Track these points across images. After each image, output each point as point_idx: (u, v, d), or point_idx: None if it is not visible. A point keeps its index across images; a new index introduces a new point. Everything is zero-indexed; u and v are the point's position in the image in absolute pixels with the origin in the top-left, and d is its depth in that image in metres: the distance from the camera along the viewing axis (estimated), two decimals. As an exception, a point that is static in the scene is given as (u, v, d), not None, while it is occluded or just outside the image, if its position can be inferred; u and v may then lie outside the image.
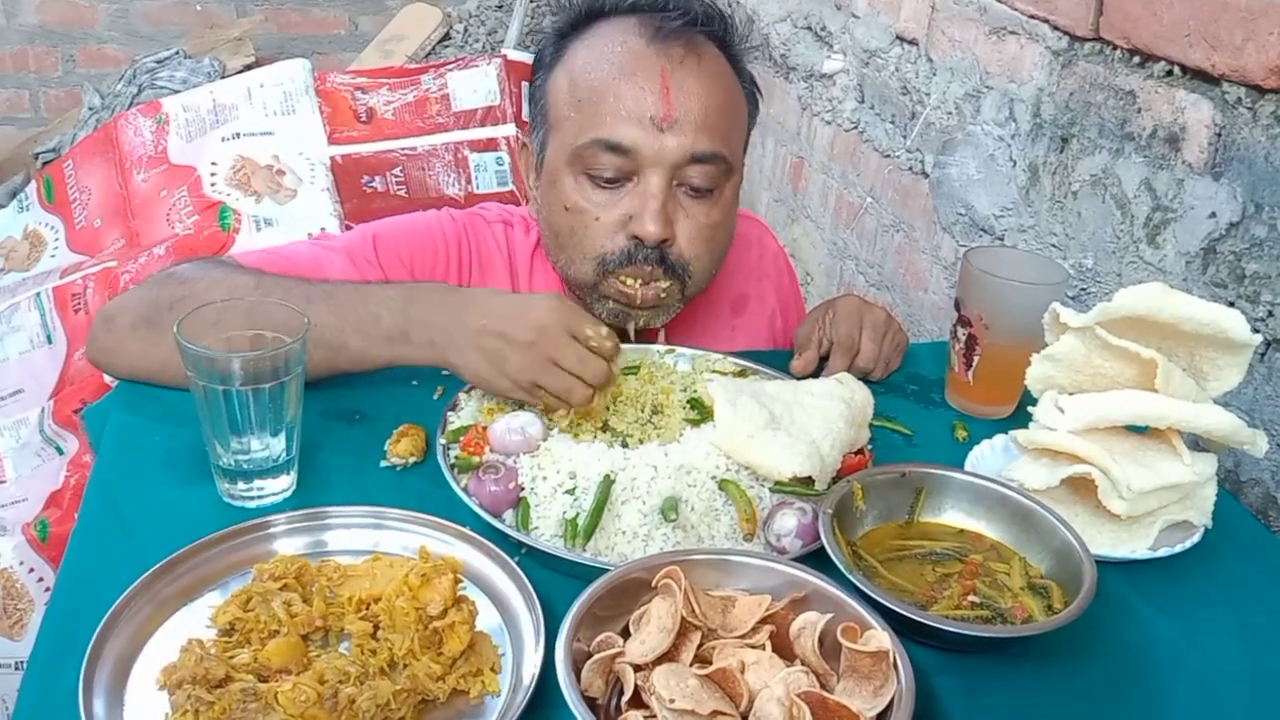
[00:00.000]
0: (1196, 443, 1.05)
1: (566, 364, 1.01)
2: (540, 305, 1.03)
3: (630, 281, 1.19)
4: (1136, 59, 1.38)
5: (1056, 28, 1.53)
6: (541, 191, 1.25)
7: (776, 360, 1.24)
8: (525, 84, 1.28)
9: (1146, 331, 1.01)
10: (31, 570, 2.01)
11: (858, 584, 0.85)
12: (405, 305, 1.08)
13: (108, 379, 1.22)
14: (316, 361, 1.08)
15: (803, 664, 0.78)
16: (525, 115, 2.48)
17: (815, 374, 1.23)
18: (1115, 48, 1.42)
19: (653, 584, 0.81)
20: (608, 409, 1.06)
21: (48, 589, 1.99)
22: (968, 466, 1.10)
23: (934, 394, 1.29)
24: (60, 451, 2.11)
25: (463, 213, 1.34)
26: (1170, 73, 1.32)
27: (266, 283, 1.12)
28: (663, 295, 1.21)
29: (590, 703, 0.73)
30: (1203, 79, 1.26)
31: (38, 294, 2.30)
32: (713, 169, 1.18)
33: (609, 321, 1.20)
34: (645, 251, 1.17)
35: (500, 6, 3.90)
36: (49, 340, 2.25)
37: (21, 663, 1.97)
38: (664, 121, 1.14)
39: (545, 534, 0.94)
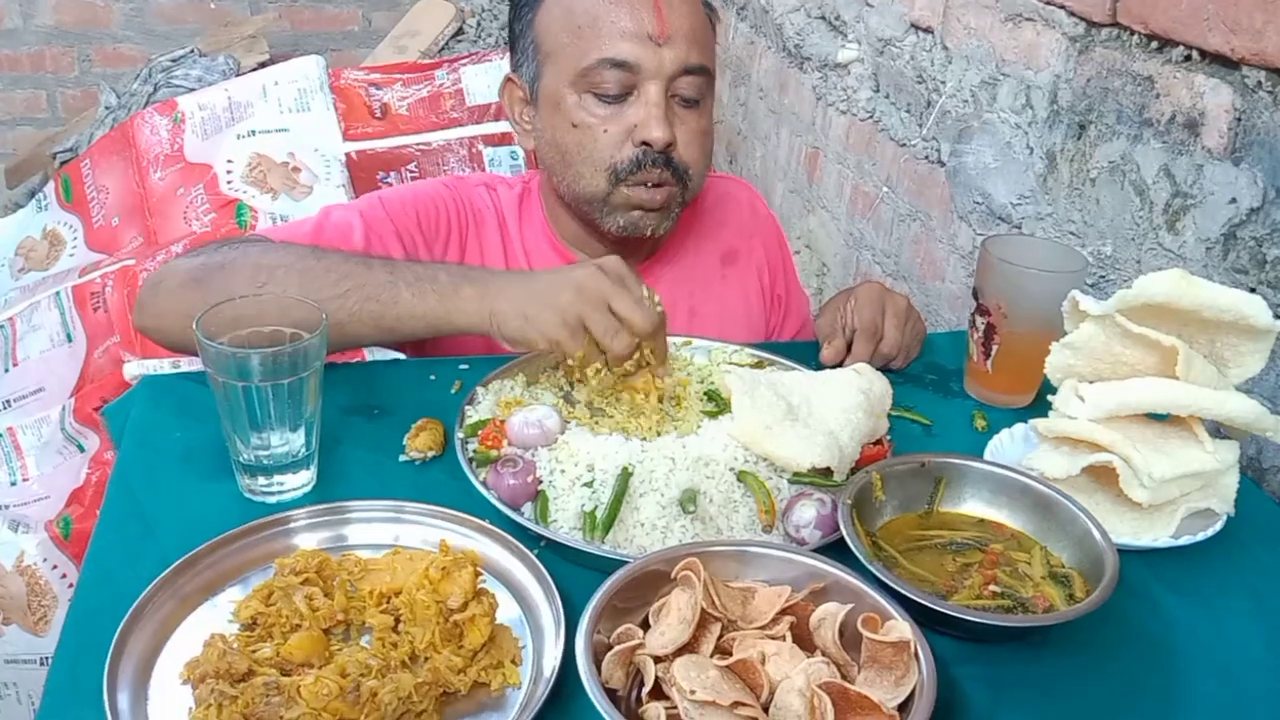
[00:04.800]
0: (1218, 430, 1.05)
1: (618, 306, 1.04)
2: (604, 258, 1.09)
3: (638, 189, 1.26)
4: (1154, 44, 1.37)
5: (1073, 14, 1.52)
6: (542, 118, 1.31)
7: (795, 351, 1.23)
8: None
9: (1166, 319, 1.00)
10: (55, 567, 2.03)
11: (878, 574, 0.85)
12: (464, 268, 1.17)
13: (127, 376, 1.23)
14: (365, 318, 1.11)
15: (823, 655, 0.78)
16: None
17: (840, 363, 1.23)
18: (1133, 33, 1.41)
19: (672, 576, 0.81)
20: (653, 397, 1.06)
21: (71, 585, 2.00)
22: (987, 456, 1.09)
23: (952, 383, 1.29)
24: (81, 449, 2.13)
25: (450, 178, 1.45)
26: (1189, 57, 1.31)
27: (321, 250, 1.17)
28: (669, 197, 1.28)
29: (611, 694, 0.73)
30: (1222, 63, 1.25)
31: (57, 293, 2.31)
32: (701, 80, 1.27)
33: (621, 234, 1.30)
34: (653, 156, 1.24)
35: (513, 0, 3.90)
36: (69, 339, 2.27)
37: (46, 658, 1.98)
38: (660, 37, 1.23)
39: (564, 527, 0.94)
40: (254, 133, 2.57)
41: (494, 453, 1.00)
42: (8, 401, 2.25)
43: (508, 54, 1.39)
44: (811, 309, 1.61)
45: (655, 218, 1.29)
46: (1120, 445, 0.99)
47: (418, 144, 2.62)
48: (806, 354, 1.23)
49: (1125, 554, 0.91)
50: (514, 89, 1.36)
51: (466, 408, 1.08)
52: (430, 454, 1.07)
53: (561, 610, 0.83)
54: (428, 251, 1.33)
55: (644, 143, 1.24)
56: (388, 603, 0.85)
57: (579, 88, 1.25)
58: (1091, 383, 1.05)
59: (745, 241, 1.49)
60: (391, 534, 0.95)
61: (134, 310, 1.20)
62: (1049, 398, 1.08)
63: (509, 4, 1.36)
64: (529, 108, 1.34)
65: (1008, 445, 1.12)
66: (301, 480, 1.01)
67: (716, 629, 0.78)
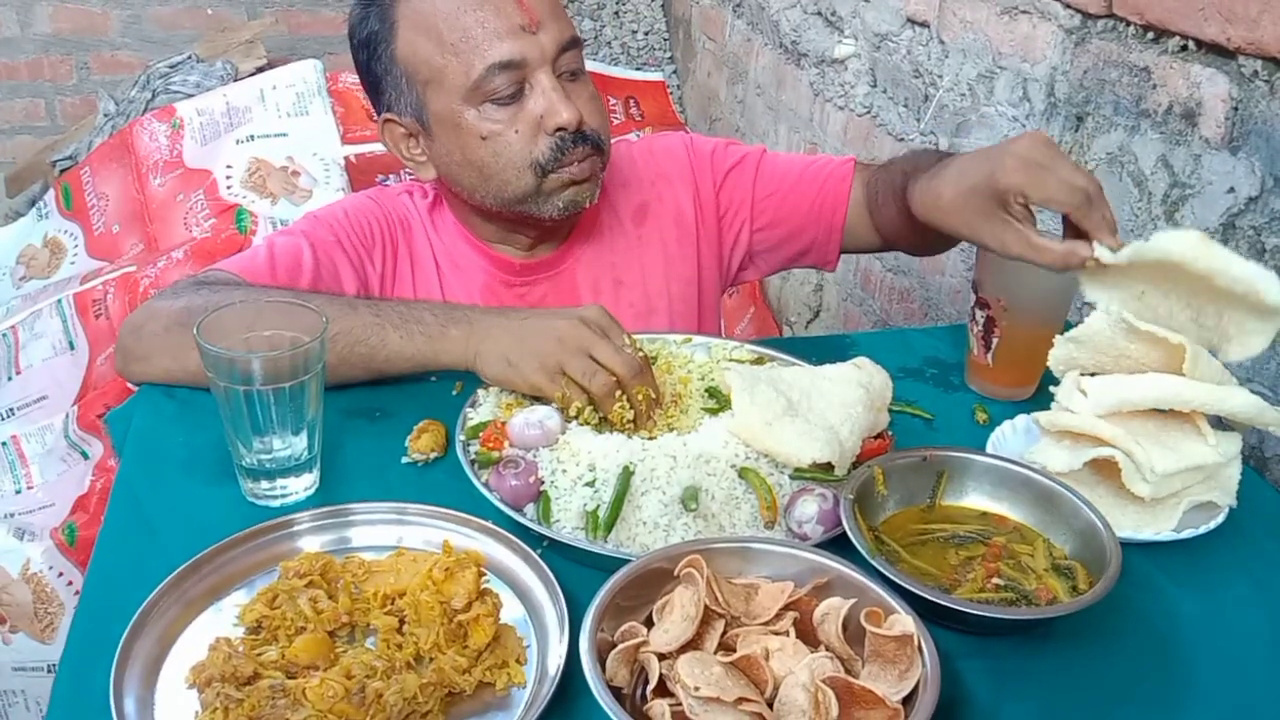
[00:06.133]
0: (1220, 421, 1.04)
1: (599, 355, 1.05)
2: (587, 307, 1.11)
3: (565, 169, 1.27)
4: (1150, 35, 1.37)
5: (1069, 5, 1.52)
6: (441, 144, 1.31)
7: (795, 347, 1.23)
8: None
9: (1177, 281, 0.98)
10: (61, 574, 2.03)
11: (881, 569, 0.85)
12: (449, 308, 1.18)
13: (130, 383, 1.24)
14: (355, 361, 1.14)
15: (827, 650, 0.78)
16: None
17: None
18: (1129, 24, 1.41)
19: (675, 573, 0.81)
20: (649, 420, 1.06)
21: (77, 592, 2.01)
22: (989, 449, 1.09)
23: (953, 377, 1.29)
24: (85, 456, 2.13)
25: (373, 190, 1.47)
26: (1185, 47, 1.31)
27: (303, 294, 1.19)
28: (594, 167, 1.30)
29: (615, 692, 0.74)
30: (1218, 53, 1.25)
31: (59, 301, 2.32)
32: (577, 52, 1.30)
33: (561, 217, 1.31)
34: (571, 137, 1.26)
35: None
36: (71, 346, 2.27)
37: (53, 666, 1.99)
38: (532, 26, 1.25)
39: (567, 526, 0.95)
40: (253, 137, 2.57)
41: (496, 454, 1.01)
42: (11, 410, 2.26)
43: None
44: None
45: (588, 188, 1.31)
46: (1122, 440, 0.99)
47: (417, 146, 2.62)
48: (807, 350, 1.23)
49: (1128, 546, 0.91)
50: (394, 127, 1.34)
51: (468, 410, 1.08)
52: (432, 456, 1.07)
53: (565, 609, 0.84)
54: (369, 259, 1.36)
55: (558, 129, 1.25)
56: (392, 604, 0.86)
57: (474, 101, 1.25)
58: (1094, 375, 1.05)
59: (649, 190, 1.47)
60: (395, 536, 0.95)
61: (117, 355, 1.21)
62: (1051, 389, 1.08)
63: (355, 50, 1.35)
64: (416, 139, 1.33)
65: (1009, 438, 1.12)
66: (304, 483, 1.02)
67: (720, 625, 0.79)
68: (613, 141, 1.37)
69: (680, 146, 1.50)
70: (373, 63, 1.32)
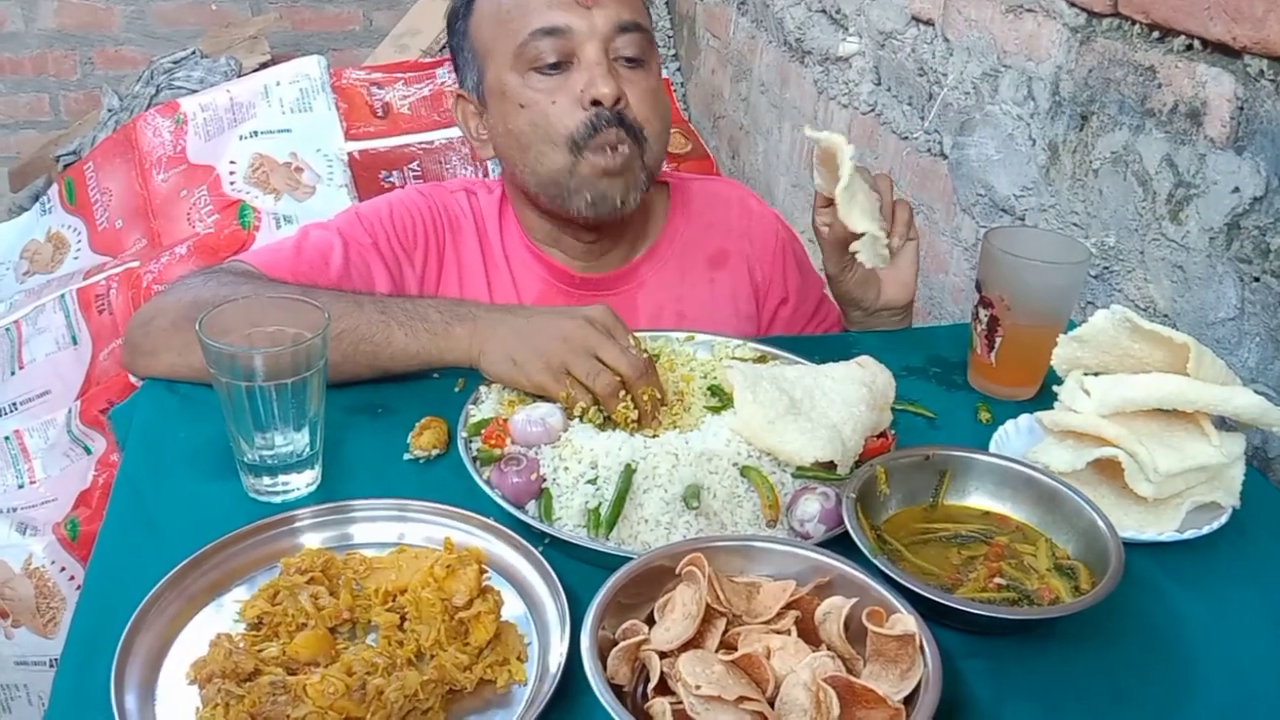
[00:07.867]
0: (1223, 421, 1.04)
1: (604, 355, 1.05)
2: (592, 307, 1.10)
3: (600, 155, 1.25)
4: (1156, 34, 1.36)
5: (1074, 4, 1.52)
6: (492, 115, 1.32)
7: (798, 346, 1.23)
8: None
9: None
10: (63, 569, 2.03)
11: (883, 568, 0.85)
12: (454, 305, 1.17)
13: (134, 378, 1.24)
14: (359, 358, 1.13)
15: (828, 649, 0.78)
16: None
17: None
18: (1134, 23, 1.40)
19: (676, 571, 0.81)
20: (654, 418, 1.06)
21: (78, 587, 2.01)
22: (992, 448, 1.09)
23: (956, 376, 1.28)
24: (88, 451, 2.13)
25: (427, 185, 1.45)
26: (1190, 47, 1.30)
27: (311, 290, 1.18)
28: (629, 159, 1.27)
29: (616, 690, 0.74)
30: (1223, 52, 1.25)
31: (62, 295, 2.32)
32: (639, 38, 1.28)
33: (590, 213, 1.29)
34: (606, 116, 1.24)
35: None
36: (74, 341, 2.27)
37: (55, 660, 1.99)
38: (587, 0, 1.24)
39: (568, 524, 0.94)
40: (256, 133, 2.57)
41: (497, 451, 1.01)
42: (14, 404, 2.26)
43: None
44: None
45: (620, 184, 1.28)
46: (1126, 440, 0.99)
47: (420, 143, 2.62)
48: (810, 348, 1.23)
49: (1131, 547, 0.91)
50: (465, 105, 1.37)
51: (470, 406, 1.08)
52: (434, 453, 1.07)
53: (566, 607, 0.84)
54: (408, 261, 1.35)
55: (594, 102, 1.23)
56: (393, 601, 0.86)
57: (519, 68, 1.26)
58: (1097, 374, 1.05)
59: (735, 241, 1.47)
60: (396, 532, 0.95)
61: (124, 350, 1.21)
62: (1054, 389, 1.08)
63: (447, 32, 1.39)
64: (481, 118, 1.35)
65: (1013, 437, 1.12)
66: (306, 480, 1.02)
67: (721, 624, 0.78)
68: (708, 180, 1.37)
69: (773, 221, 1.54)
70: (453, 40, 1.36)
